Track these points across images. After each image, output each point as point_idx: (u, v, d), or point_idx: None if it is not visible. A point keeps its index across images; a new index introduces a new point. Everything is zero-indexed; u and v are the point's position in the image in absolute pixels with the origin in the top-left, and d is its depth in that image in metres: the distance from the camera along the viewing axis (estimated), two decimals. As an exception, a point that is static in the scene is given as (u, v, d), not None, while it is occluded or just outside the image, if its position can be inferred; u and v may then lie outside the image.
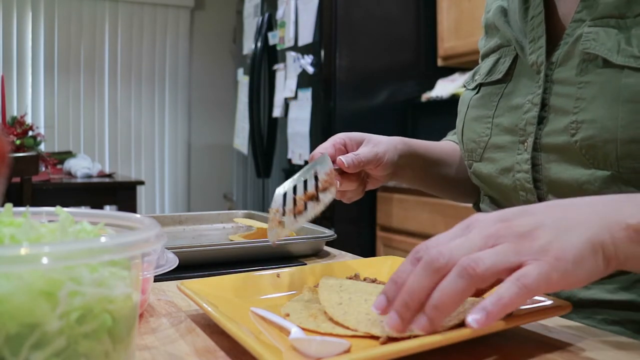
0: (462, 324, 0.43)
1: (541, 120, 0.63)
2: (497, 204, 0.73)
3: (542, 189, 0.63)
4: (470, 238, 0.40)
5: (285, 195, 0.65)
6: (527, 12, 0.67)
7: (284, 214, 0.62)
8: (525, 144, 0.64)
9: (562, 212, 0.42)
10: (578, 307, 0.60)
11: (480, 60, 0.78)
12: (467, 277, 0.37)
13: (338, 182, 0.68)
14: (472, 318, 0.37)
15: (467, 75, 0.79)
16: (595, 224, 0.40)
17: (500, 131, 0.68)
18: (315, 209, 0.60)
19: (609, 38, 0.56)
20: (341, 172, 0.71)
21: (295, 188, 0.64)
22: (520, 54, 0.67)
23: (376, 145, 0.74)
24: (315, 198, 0.62)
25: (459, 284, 0.37)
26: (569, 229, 0.40)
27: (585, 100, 0.57)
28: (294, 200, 0.62)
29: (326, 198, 0.61)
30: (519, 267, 0.38)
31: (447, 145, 0.88)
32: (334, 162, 0.69)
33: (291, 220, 0.61)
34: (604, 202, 0.43)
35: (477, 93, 0.74)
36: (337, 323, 0.45)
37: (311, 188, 0.63)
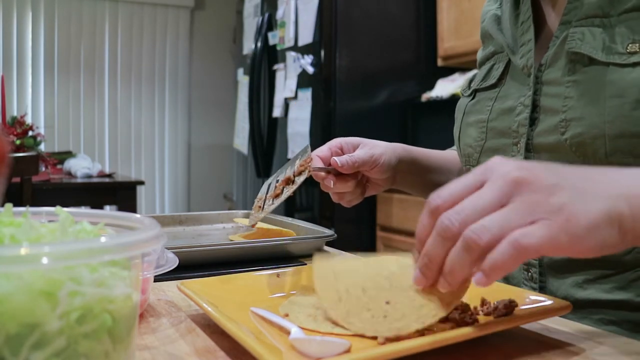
0: (460, 324, 0.43)
1: (533, 122, 0.64)
2: None
3: None
4: (482, 195, 0.39)
5: (269, 185, 0.75)
6: (518, 19, 0.70)
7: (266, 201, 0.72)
8: (518, 145, 0.65)
9: (585, 176, 0.41)
10: (575, 307, 0.60)
11: (477, 69, 0.80)
12: (471, 250, 0.38)
13: (332, 182, 0.73)
14: (475, 279, 0.39)
15: (464, 83, 0.81)
16: (616, 195, 0.39)
17: (494, 135, 0.70)
18: (289, 190, 0.69)
19: (594, 37, 0.58)
20: (337, 174, 0.73)
21: (279, 180, 0.74)
22: (512, 58, 0.69)
23: (372, 147, 0.76)
24: (291, 182, 0.70)
25: (464, 256, 0.38)
26: (588, 194, 0.39)
27: (573, 98, 0.59)
28: (275, 187, 0.72)
29: (299, 180, 0.69)
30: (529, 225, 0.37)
31: (449, 154, 0.89)
32: (329, 164, 0.73)
33: (268, 204, 0.70)
34: (624, 175, 0.42)
35: (472, 99, 0.76)
36: (336, 323, 0.45)
37: (289, 174, 0.71)
